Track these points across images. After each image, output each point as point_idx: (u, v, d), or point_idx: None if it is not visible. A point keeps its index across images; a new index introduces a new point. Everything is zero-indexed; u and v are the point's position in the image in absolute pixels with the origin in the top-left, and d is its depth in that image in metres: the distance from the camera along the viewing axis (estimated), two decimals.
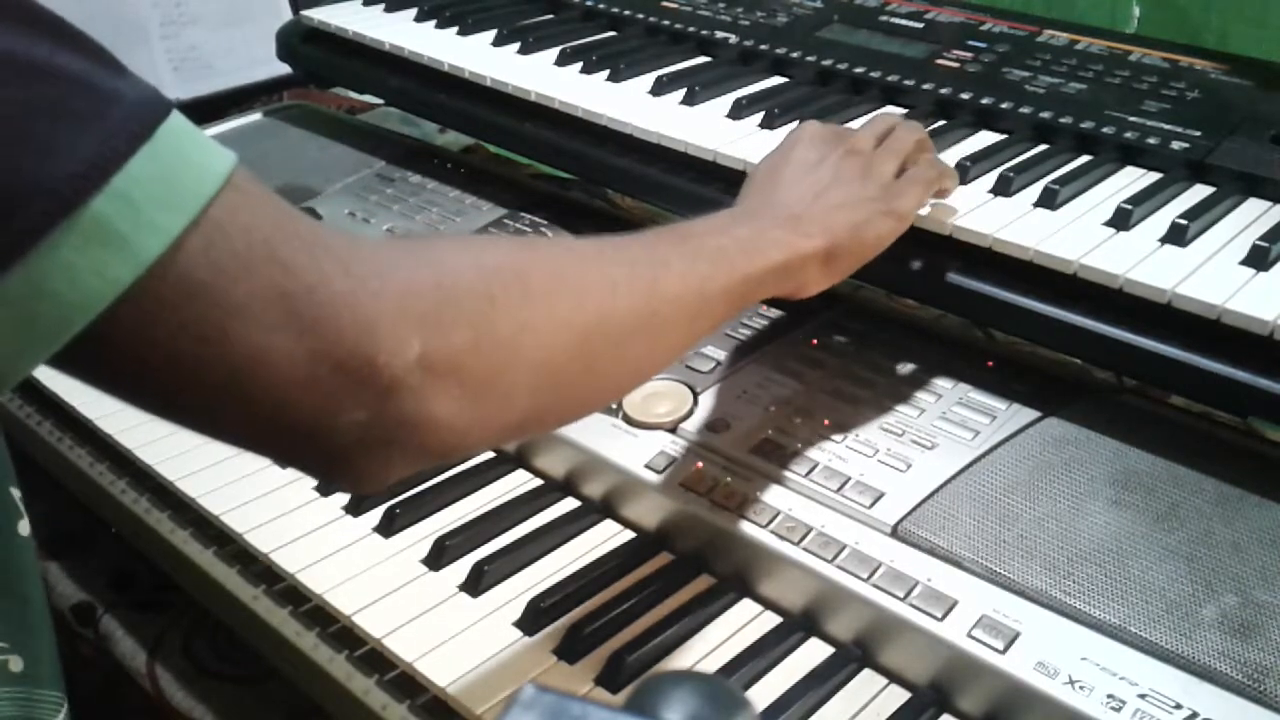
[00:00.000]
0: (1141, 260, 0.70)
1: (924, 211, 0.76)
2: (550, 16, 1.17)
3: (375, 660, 0.68)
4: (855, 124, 0.89)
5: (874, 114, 0.79)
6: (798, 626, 0.68)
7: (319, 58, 1.20)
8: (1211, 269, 0.70)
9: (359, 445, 0.44)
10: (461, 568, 0.72)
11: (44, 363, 0.39)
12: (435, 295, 0.45)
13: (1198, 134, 0.83)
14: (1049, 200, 0.77)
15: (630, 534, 0.76)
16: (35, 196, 0.36)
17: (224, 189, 0.40)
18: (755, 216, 0.66)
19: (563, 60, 1.03)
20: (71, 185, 0.36)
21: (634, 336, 0.55)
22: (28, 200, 0.36)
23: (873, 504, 0.70)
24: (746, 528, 0.70)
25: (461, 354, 0.45)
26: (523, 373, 0.49)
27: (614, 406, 0.80)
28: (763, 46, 1.03)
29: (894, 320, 0.90)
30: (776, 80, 1.00)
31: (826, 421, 0.77)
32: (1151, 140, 0.83)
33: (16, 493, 0.54)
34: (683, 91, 0.96)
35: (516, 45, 1.07)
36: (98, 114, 0.38)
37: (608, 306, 0.53)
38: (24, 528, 0.54)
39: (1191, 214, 0.73)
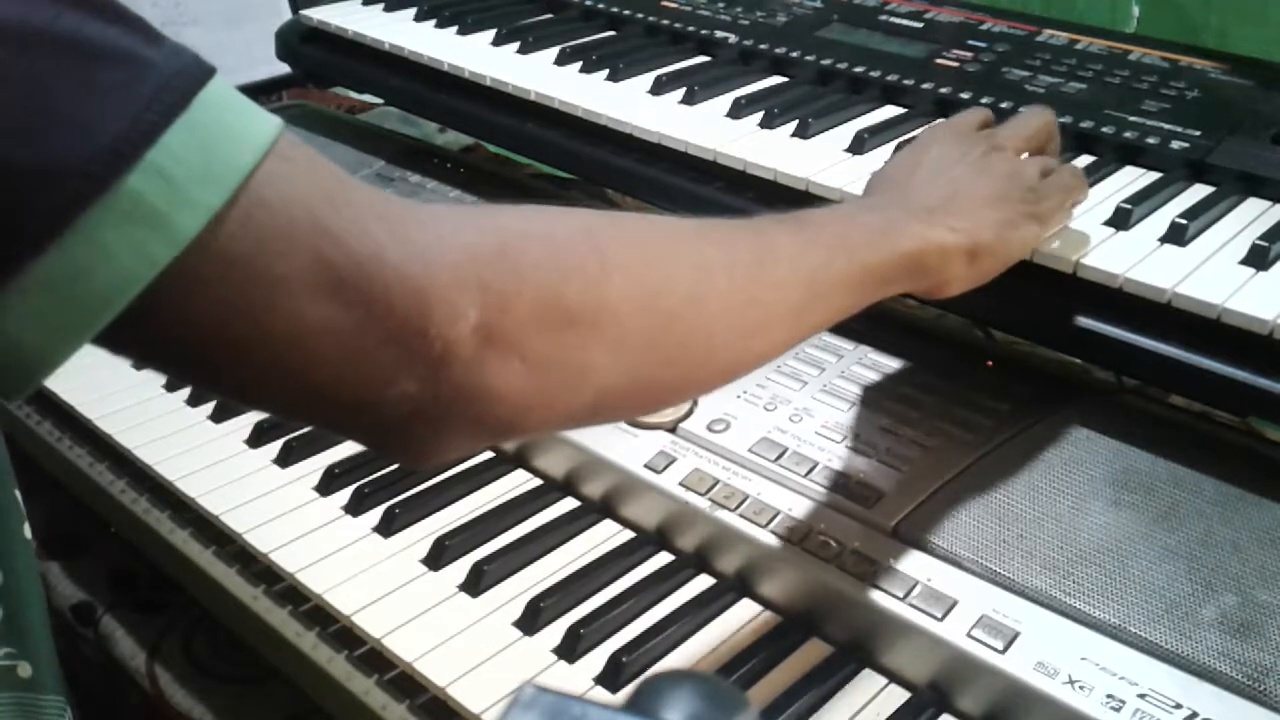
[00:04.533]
0: (1141, 260, 0.70)
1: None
2: (550, 16, 1.17)
3: (375, 660, 0.68)
4: (860, 122, 0.90)
5: (1024, 111, 0.74)
6: (798, 626, 0.68)
7: (319, 57, 1.20)
8: (1211, 269, 0.70)
9: (411, 418, 0.42)
10: (461, 567, 0.72)
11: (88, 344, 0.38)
12: (499, 264, 0.43)
13: (1198, 134, 0.83)
14: None
15: (630, 534, 0.76)
16: (68, 175, 0.35)
17: (266, 158, 0.38)
18: (887, 206, 0.62)
19: (562, 60, 1.03)
20: (105, 162, 0.35)
21: (729, 325, 0.51)
22: (60, 179, 0.35)
23: (873, 504, 0.70)
24: (746, 527, 0.70)
25: (525, 327, 0.43)
26: (596, 352, 0.46)
27: None
28: (762, 46, 1.03)
29: (894, 320, 0.90)
30: (776, 80, 1.00)
31: (826, 421, 0.77)
32: (1151, 140, 0.83)
33: (18, 494, 0.53)
34: (682, 91, 0.96)
35: (516, 45, 1.07)
36: (131, 86, 0.36)
37: (698, 290, 0.49)
38: (26, 530, 0.53)
39: (1191, 213, 0.73)
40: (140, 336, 0.39)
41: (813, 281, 0.54)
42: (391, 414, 0.42)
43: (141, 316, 0.37)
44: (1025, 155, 0.70)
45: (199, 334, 0.39)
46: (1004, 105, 0.89)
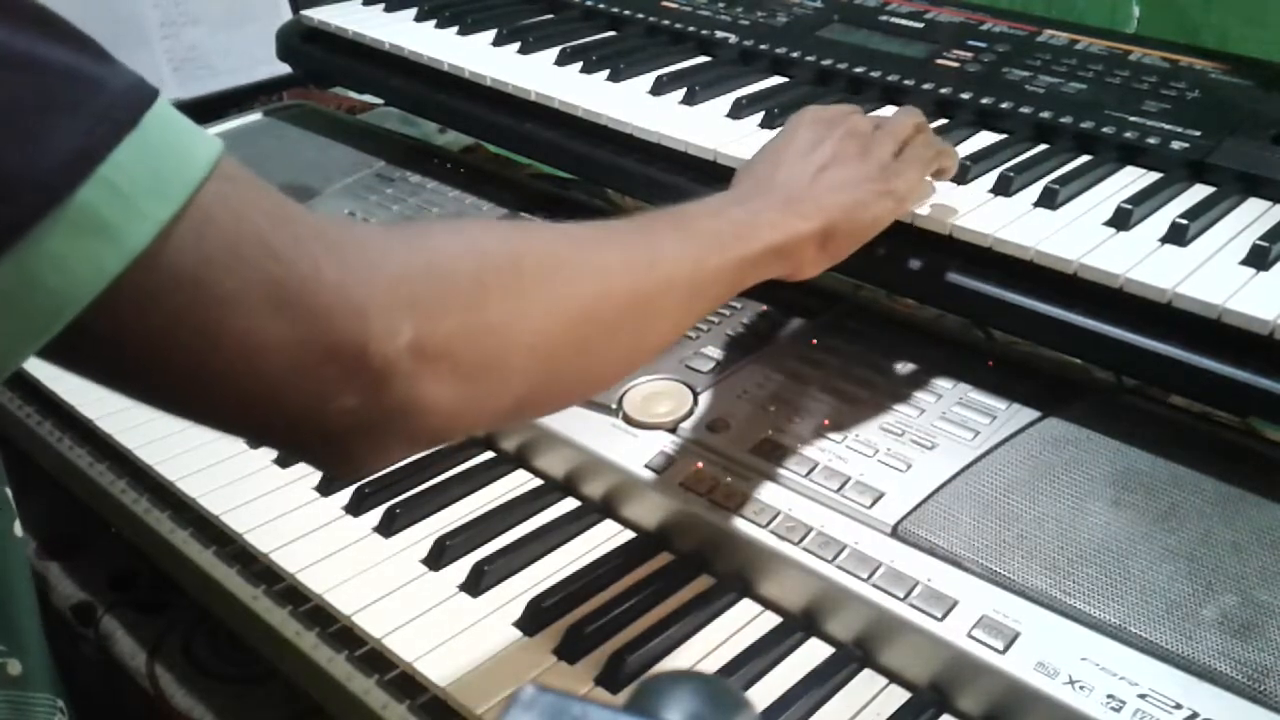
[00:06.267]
0: (1141, 260, 0.70)
1: (925, 210, 0.76)
2: (550, 16, 1.17)
3: (375, 660, 0.68)
4: None
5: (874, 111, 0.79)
6: (798, 626, 0.68)
7: (319, 57, 1.20)
8: (1211, 269, 0.70)
9: (351, 431, 0.44)
10: (461, 568, 0.72)
11: (36, 355, 0.39)
12: (427, 281, 0.46)
13: (1198, 134, 0.83)
14: (1049, 200, 0.77)
15: (630, 534, 0.76)
16: (22, 188, 0.36)
17: (212, 177, 0.40)
18: (751, 198, 0.66)
19: (562, 60, 1.03)
20: (58, 176, 0.36)
21: (628, 320, 0.55)
22: (15, 192, 0.36)
23: (873, 504, 0.70)
24: (746, 528, 0.70)
25: (454, 339, 0.45)
26: (516, 357, 0.49)
27: (614, 406, 0.80)
28: (763, 46, 1.03)
29: (894, 320, 0.90)
30: (776, 80, 1.00)
31: (826, 421, 0.77)
32: (1151, 140, 0.83)
33: (9, 492, 0.54)
34: (683, 91, 0.96)
35: (516, 45, 1.07)
36: (83, 103, 0.37)
37: (601, 290, 0.53)
38: (17, 528, 0.54)
39: (1191, 214, 0.73)
40: (90, 348, 0.40)
41: (695, 275, 0.58)
42: (332, 428, 0.44)
43: (91, 328, 0.38)
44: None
45: (147, 347, 0.40)
46: (1004, 105, 0.89)
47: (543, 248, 0.52)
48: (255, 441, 0.48)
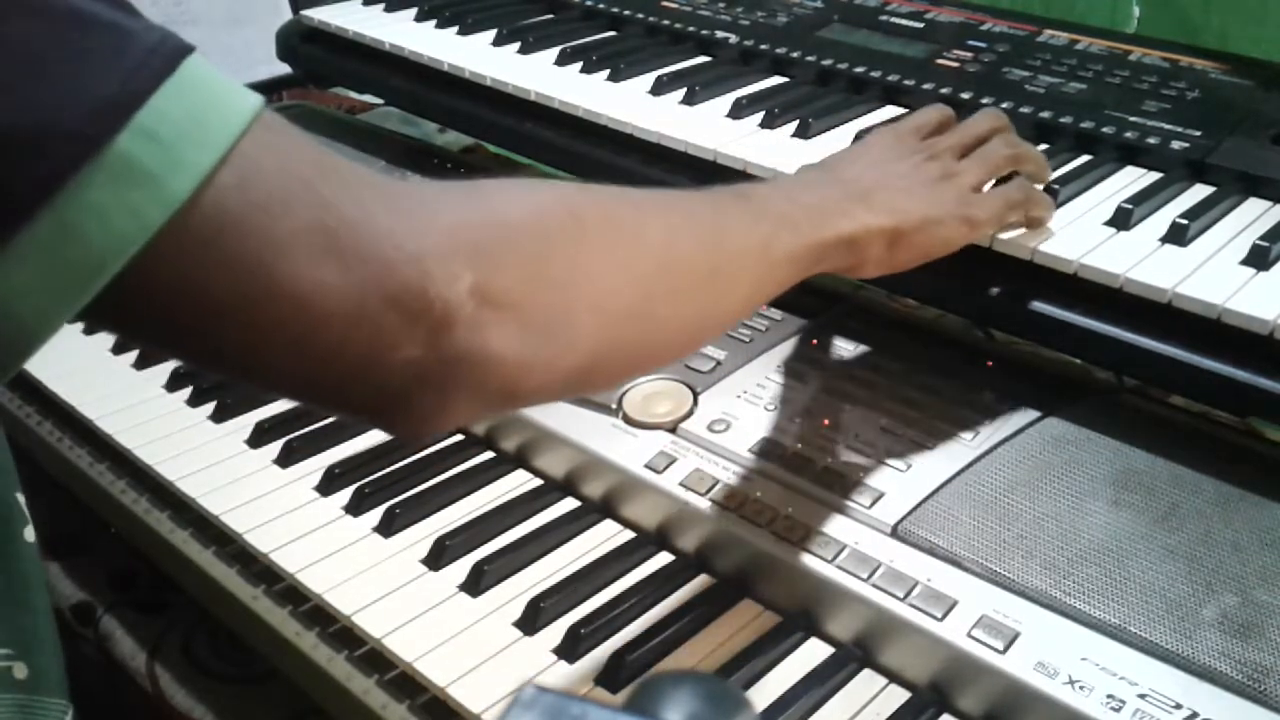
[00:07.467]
0: (1142, 260, 0.70)
1: (1006, 236, 0.73)
2: (550, 16, 1.17)
3: (375, 660, 0.68)
4: (861, 122, 0.90)
5: (980, 112, 0.75)
6: (798, 626, 0.67)
7: (319, 58, 1.20)
8: (1212, 269, 0.70)
9: (415, 384, 0.42)
10: (461, 568, 0.72)
11: (82, 316, 0.38)
12: (484, 230, 0.44)
13: (1198, 134, 0.83)
14: None
15: (630, 534, 0.76)
16: (59, 137, 0.35)
17: (254, 127, 0.39)
18: (822, 186, 0.64)
19: (563, 60, 1.03)
20: (95, 123, 0.35)
21: (698, 286, 0.53)
22: (51, 141, 0.35)
23: (873, 504, 0.70)
24: (746, 528, 0.70)
25: (516, 288, 0.44)
26: (582, 312, 0.47)
27: (614, 406, 0.80)
28: (763, 46, 1.03)
29: (894, 320, 0.90)
30: (776, 80, 1.00)
31: (826, 421, 0.77)
32: (1151, 140, 0.83)
33: (21, 498, 0.53)
34: (683, 91, 0.96)
35: (516, 45, 1.07)
36: (117, 52, 0.37)
37: (668, 252, 0.52)
38: (29, 534, 0.53)
39: (1192, 214, 0.73)
40: (138, 307, 0.39)
41: (766, 252, 0.57)
42: (395, 380, 0.42)
43: (137, 283, 0.37)
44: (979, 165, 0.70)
45: (197, 300, 0.39)
46: (1005, 105, 0.89)
47: (603, 205, 0.51)
48: (314, 402, 0.46)
